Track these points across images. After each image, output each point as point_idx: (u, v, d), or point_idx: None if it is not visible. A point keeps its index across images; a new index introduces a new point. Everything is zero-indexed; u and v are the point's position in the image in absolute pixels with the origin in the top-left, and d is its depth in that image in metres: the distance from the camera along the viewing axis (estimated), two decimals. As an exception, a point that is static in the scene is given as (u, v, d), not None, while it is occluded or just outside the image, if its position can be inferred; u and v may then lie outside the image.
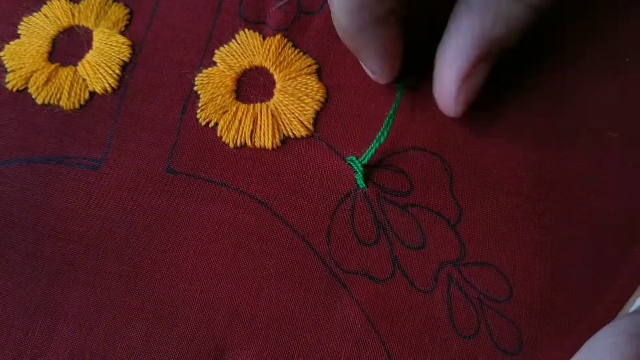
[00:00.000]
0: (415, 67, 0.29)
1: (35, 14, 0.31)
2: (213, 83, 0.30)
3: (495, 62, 0.27)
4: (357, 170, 0.28)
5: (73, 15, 0.31)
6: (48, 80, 0.30)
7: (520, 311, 0.26)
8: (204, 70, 0.30)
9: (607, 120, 0.29)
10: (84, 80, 0.30)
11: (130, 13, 0.32)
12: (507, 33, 0.25)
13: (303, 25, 0.32)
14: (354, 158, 0.28)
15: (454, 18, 0.26)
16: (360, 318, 0.26)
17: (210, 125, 0.29)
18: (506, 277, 0.27)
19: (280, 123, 0.29)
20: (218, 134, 0.29)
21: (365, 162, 0.28)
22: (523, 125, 0.29)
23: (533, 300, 0.26)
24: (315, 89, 0.30)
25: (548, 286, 0.27)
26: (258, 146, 0.29)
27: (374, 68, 0.28)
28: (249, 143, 0.29)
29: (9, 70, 0.30)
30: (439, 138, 0.29)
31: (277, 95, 0.30)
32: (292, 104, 0.30)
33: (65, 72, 0.30)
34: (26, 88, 0.30)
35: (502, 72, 0.29)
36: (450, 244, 0.27)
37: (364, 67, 0.29)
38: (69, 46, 0.31)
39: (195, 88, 0.30)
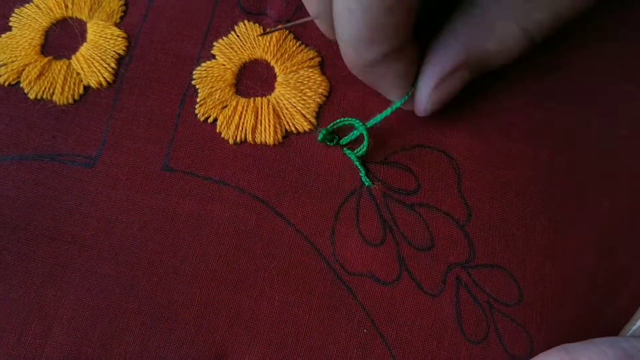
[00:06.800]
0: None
1: (27, 5, 0.30)
2: (212, 77, 0.29)
3: (477, 74, 0.26)
4: (353, 158, 0.27)
5: (66, 6, 0.30)
6: (41, 74, 0.29)
7: (531, 315, 0.25)
8: (203, 64, 0.29)
9: (617, 118, 0.29)
10: (78, 74, 0.29)
11: (126, 4, 0.31)
12: (497, 50, 0.25)
13: (305, 16, 0.31)
14: (350, 152, 0.27)
15: (451, 22, 0.25)
16: (366, 322, 0.25)
17: (209, 120, 0.28)
18: (516, 280, 0.26)
19: (282, 117, 0.28)
20: (217, 130, 0.28)
21: (364, 147, 0.27)
22: (532, 123, 0.29)
23: (544, 304, 0.26)
24: (317, 82, 0.29)
25: (559, 290, 0.26)
26: (259, 142, 0.28)
27: (392, 96, 0.27)
28: (249, 139, 0.28)
29: (0, 63, 0.29)
30: (445, 135, 0.28)
31: (278, 89, 0.29)
32: (294, 98, 0.29)
33: (59, 66, 0.29)
34: (18, 82, 0.29)
35: (509, 71, 0.28)
36: (459, 245, 0.26)
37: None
38: (62, 39, 0.30)
39: (193, 82, 0.29)
